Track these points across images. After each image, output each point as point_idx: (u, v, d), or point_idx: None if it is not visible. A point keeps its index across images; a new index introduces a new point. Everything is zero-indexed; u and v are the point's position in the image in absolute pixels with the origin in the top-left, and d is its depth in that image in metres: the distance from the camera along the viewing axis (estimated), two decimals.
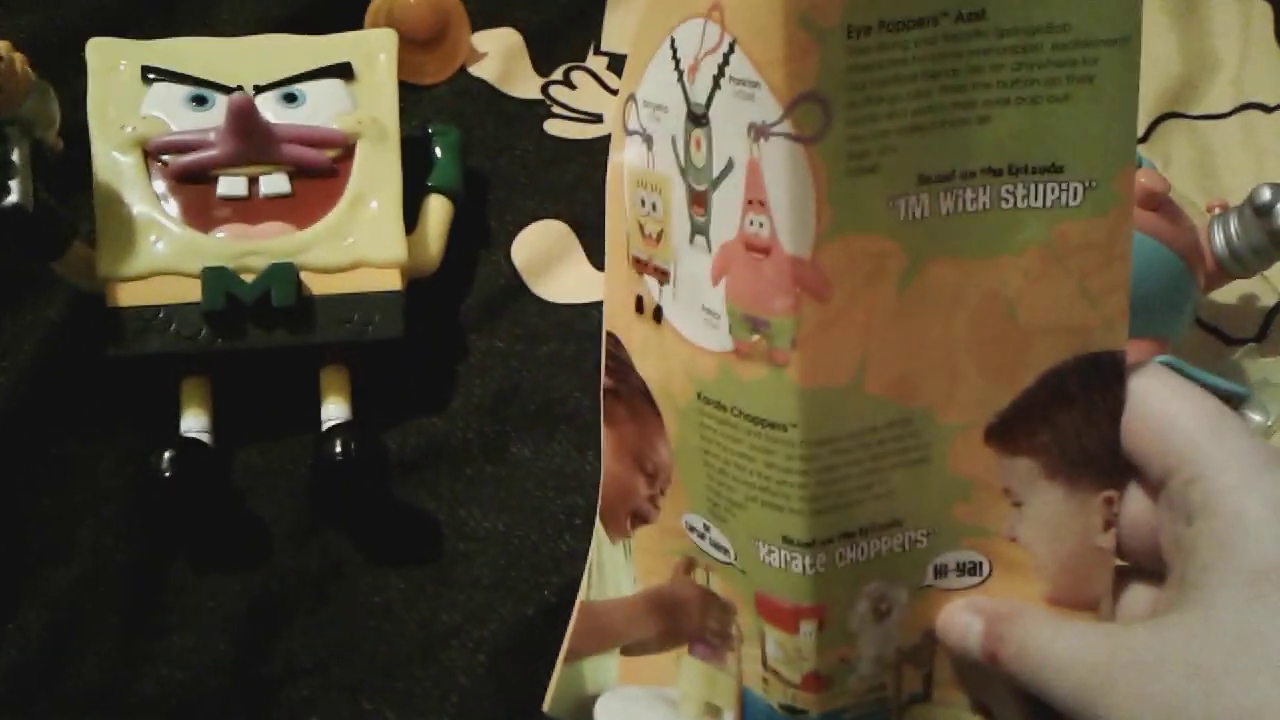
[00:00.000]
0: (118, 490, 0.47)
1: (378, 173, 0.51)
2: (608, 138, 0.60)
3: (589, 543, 0.39)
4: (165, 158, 0.50)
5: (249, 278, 0.48)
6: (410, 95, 0.59)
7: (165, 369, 0.48)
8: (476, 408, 0.51)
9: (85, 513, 0.47)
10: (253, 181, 0.50)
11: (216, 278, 0.48)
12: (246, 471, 0.48)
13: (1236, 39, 0.67)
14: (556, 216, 0.57)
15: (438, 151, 0.55)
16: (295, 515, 0.48)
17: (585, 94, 0.63)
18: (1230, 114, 0.63)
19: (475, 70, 0.62)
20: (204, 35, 0.55)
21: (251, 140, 0.50)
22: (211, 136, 0.50)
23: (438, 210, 0.54)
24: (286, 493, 0.48)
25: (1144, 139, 0.63)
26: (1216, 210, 0.52)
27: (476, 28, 0.63)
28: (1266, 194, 0.49)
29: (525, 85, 0.62)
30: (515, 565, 0.47)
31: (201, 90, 0.52)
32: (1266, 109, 0.63)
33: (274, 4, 0.62)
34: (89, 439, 0.48)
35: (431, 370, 0.52)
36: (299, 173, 0.51)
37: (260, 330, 0.48)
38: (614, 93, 0.63)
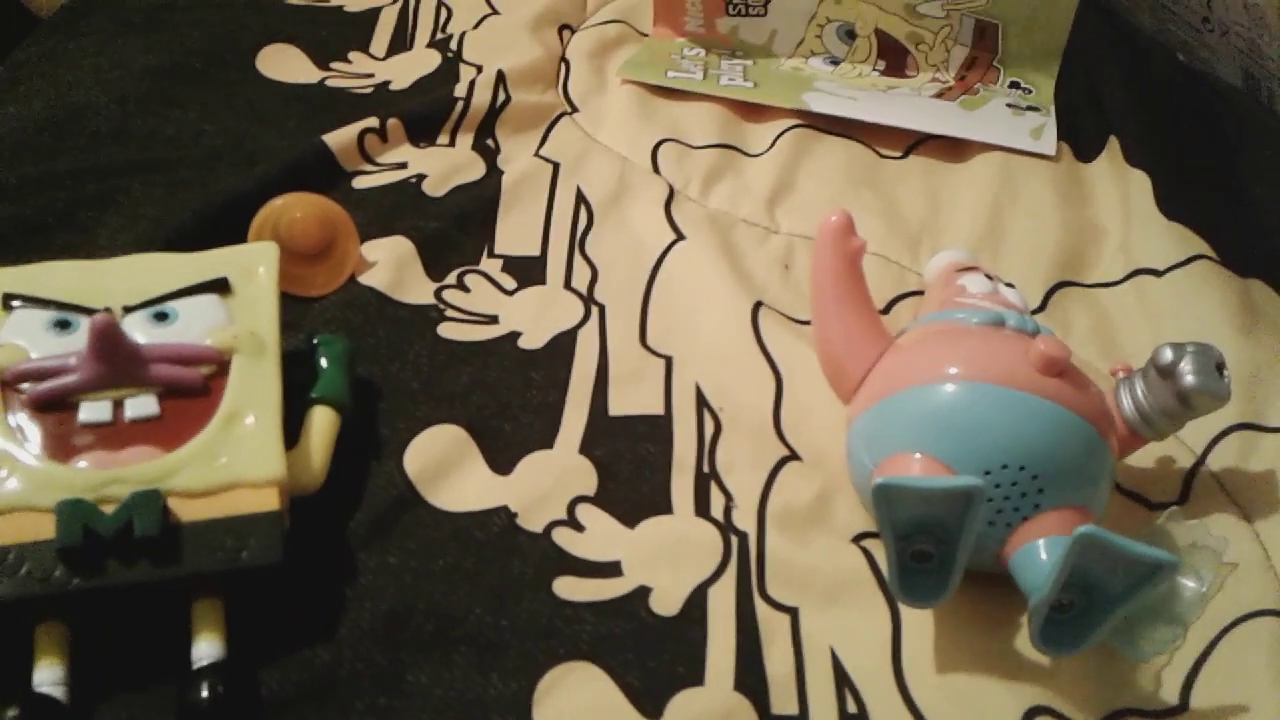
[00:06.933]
0: None
1: (254, 387, 0.49)
2: (503, 339, 0.61)
3: None
4: (24, 386, 0.48)
5: (111, 508, 0.44)
6: (298, 308, 0.58)
7: (16, 615, 0.44)
8: (366, 634, 0.47)
9: None
10: (118, 405, 0.48)
11: (71, 511, 0.44)
12: None
13: (1119, 209, 0.68)
14: (452, 421, 0.55)
15: (323, 362, 0.53)
16: None
17: (479, 296, 0.62)
18: (1122, 281, 0.64)
19: (366, 279, 0.61)
20: (80, 259, 0.53)
21: (115, 362, 0.48)
22: (72, 361, 0.48)
23: (321, 422, 0.51)
24: None
25: (1041, 308, 0.63)
26: (1121, 374, 0.51)
27: (367, 238, 0.62)
28: (1169, 354, 0.48)
29: (417, 291, 0.61)
30: None
31: (65, 314, 0.50)
32: (1157, 273, 0.64)
33: (154, 226, 0.61)
34: None
35: (316, 595, 0.48)
36: (168, 392, 0.48)
37: (121, 565, 0.44)
38: (509, 293, 0.62)
